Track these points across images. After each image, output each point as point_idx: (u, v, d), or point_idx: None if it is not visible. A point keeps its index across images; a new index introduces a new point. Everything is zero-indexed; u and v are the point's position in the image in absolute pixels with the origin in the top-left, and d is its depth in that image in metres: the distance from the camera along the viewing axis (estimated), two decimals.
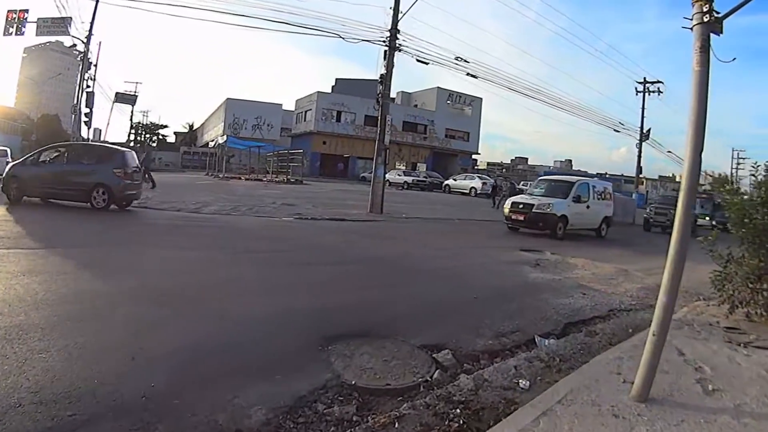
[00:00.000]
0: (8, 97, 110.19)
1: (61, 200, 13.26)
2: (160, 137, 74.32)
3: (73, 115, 24.52)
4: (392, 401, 3.71)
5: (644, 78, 34.36)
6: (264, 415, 3.28)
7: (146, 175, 22.01)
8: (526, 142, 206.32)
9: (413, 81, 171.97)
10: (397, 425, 3.29)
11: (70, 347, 3.95)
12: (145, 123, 69.90)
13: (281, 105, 59.96)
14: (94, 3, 23.24)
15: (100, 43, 29.93)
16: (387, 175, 22.77)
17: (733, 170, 61.19)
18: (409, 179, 41.87)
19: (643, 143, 33.94)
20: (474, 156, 63.47)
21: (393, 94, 25.65)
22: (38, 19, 23.81)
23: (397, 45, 18.61)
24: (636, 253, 14.44)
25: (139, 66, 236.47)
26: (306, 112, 55.01)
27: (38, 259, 6.95)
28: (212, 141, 51.12)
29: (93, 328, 4.49)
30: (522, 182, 42.06)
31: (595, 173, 55.03)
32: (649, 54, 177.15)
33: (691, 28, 3.55)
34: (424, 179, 42.48)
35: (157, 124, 73.74)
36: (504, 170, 77.96)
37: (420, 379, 4.07)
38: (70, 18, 23.60)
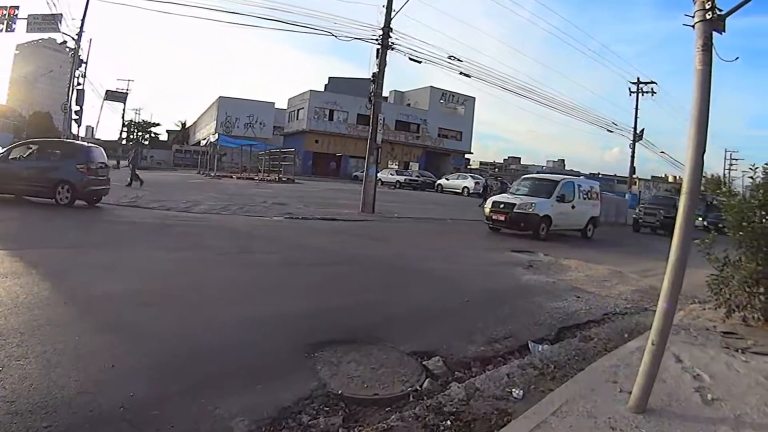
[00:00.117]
0: (0, 94, 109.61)
1: (31, 197, 13.26)
2: (153, 135, 74.14)
3: (64, 113, 24.29)
4: (380, 412, 3.57)
5: (638, 78, 34.54)
6: (246, 427, 3.14)
7: (133, 174, 21.98)
8: (519, 141, 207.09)
9: (406, 80, 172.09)
10: None
11: (49, 353, 3.81)
12: (137, 121, 69.69)
13: (274, 103, 59.71)
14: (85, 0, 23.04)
15: (90, 40, 29.43)
16: (379, 174, 22.67)
17: (726, 171, 61.58)
18: (401, 178, 41.79)
19: (637, 143, 34.03)
20: (467, 155, 63.50)
21: (386, 93, 25.57)
22: (28, 15, 23.56)
23: (390, 43, 18.51)
24: (630, 254, 14.40)
25: (132, 64, 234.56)
26: (298, 110, 54.86)
27: (19, 261, 6.74)
28: (204, 139, 50.91)
29: (73, 333, 4.34)
30: (514, 182, 42.01)
31: (588, 173, 55.25)
32: (643, 54, 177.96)
33: (693, 26, 3.43)
34: (417, 178, 42.43)
35: (150, 122, 73.62)
36: (496, 170, 78.14)
37: (409, 389, 3.92)
38: (61, 15, 23.38)
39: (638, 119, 34.04)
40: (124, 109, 49.10)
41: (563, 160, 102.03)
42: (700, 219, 22.99)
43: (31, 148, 13.91)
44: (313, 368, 4.10)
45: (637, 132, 33.92)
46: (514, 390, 3.95)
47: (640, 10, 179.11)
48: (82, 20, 23.55)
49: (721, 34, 3.41)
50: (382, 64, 18.47)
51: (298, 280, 7.40)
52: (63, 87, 27.03)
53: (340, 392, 3.72)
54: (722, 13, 3.38)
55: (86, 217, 12.34)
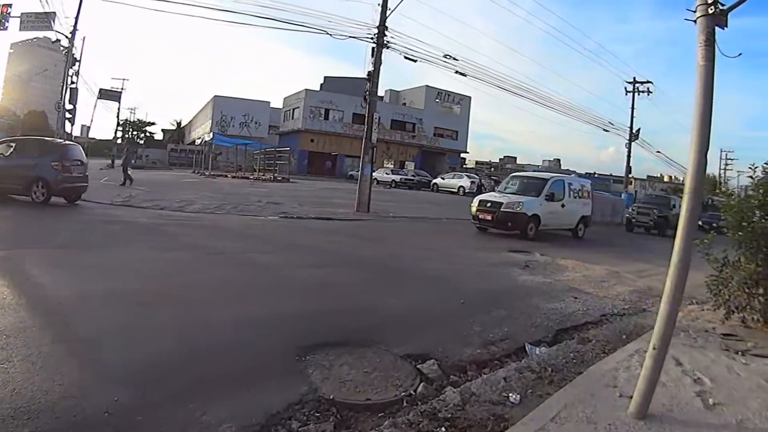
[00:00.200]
0: None
1: (11, 194, 13.21)
2: (148, 134, 73.92)
3: (58, 112, 24.15)
4: (373, 418, 3.46)
5: (634, 78, 34.49)
6: None
7: (125, 173, 21.97)
8: (515, 141, 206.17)
9: (402, 79, 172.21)
10: None
11: (34, 356, 3.72)
12: (132, 120, 69.42)
13: (269, 102, 59.61)
14: None
15: (84, 38, 29.36)
16: (375, 174, 22.55)
17: (722, 171, 61.69)
18: (396, 178, 41.59)
19: (633, 143, 34.01)
20: (462, 155, 63.44)
21: (381, 92, 25.47)
22: (21, 13, 23.50)
23: (386, 42, 18.39)
24: (625, 254, 14.30)
25: (127, 63, 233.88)
26: (294, 109, 54.71)
27: (6, 262, 6.65)
28: (199, 138, 50.70)
29: (59, 335, 4.25)
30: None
31: (584, 173, 55.20)
32: (640, 54, 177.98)
33: (695, 21, 3.34)
34: (412, 178, 42.25)
35: (145, 122, 73.50)
36: (492, 169, 77.95)
37: (403, 393, 3.80)
38: (54, 13, 23.31)
39: (634, 119, 34.01)
40: (118, 108, 48.70)
41: (559, 160, 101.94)
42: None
43: (11, 146, 13.89)
44: (304, 372, 4.00)
45: (633, 131, 33.89)
46: (511, 395, 3.85)
47: (637, 10, 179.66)
48: (76, 18, 23.48)
49: (723, 29, 3.33)
50: (377, 62, 18.35)
51: (291, 280, 7.28)
52: (58, 86, 26.86)
53: (331, 397, 3.61)
54: (724, 7, 3.30)
55: (77, 217, 12.21)
